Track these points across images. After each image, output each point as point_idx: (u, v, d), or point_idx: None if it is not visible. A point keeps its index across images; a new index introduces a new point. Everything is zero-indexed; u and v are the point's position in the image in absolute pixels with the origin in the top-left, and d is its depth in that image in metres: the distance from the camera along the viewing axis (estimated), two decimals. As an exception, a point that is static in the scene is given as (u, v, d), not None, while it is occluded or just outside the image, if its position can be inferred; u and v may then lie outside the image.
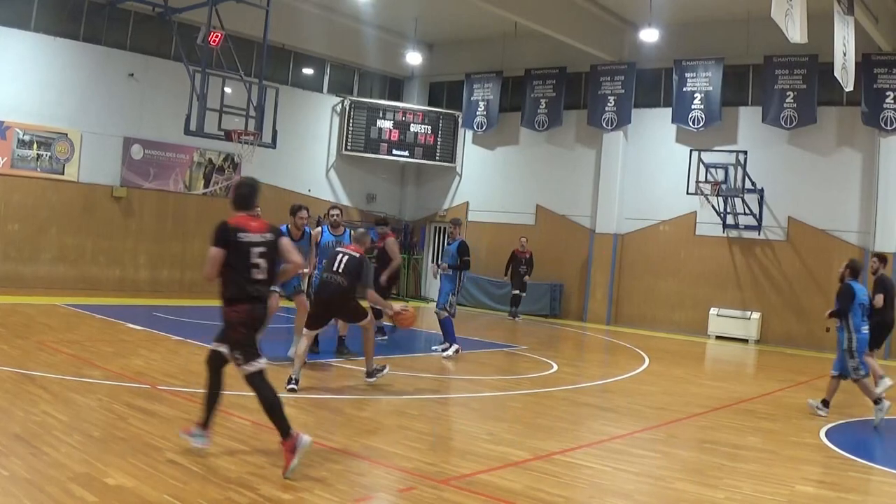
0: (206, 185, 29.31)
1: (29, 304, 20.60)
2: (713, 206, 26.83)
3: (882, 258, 17.23)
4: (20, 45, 25.04)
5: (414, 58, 33.30)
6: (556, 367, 17.89)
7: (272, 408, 8.97)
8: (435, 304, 20.03)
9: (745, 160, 25.57)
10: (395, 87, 36.58)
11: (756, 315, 26.44)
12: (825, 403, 14.46)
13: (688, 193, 26.25)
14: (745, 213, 26.69)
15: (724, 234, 27.40)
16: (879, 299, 16.16)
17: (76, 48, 26.16)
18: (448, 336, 18.88)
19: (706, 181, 25.74)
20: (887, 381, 16.06)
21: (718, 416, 13.91)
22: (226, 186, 29.11)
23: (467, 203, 34.39)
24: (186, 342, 17.27)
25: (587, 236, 30.51)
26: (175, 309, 20.95)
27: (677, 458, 10.67)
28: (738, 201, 26.55)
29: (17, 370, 12.60)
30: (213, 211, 28.23)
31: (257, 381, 9.21)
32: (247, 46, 27.50)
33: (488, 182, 33.96)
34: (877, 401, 13.90)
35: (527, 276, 29.26)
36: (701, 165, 25.78)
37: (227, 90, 23.32)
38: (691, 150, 26.31)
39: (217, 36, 22.39)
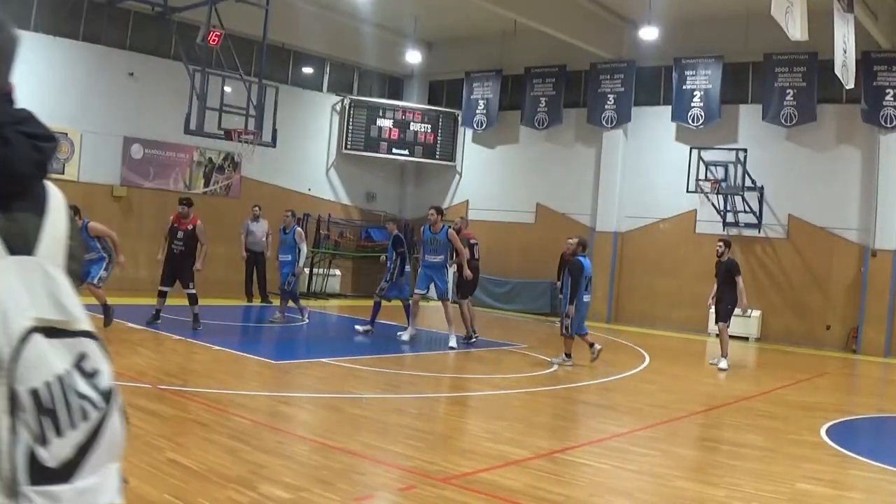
0: (207, 185, 29.34)
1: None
2: (713, 204, 26.85)
3: (727, 243, 20.05)
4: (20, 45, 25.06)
5: (413, 56, 33.30)
6: (556, 366, 17.89)
7: None
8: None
9: (745, 158, 25.60)
10: (394, 85, 36.62)
11: (756, 313, 26.38)
12: (568, 356, 18.22)
13: (688, 191, 26.31)
14: (745, 212, 26.69)
15: (724, 232, 27.28)
16: (740, 281, 19.56)
17: (75, 47, 26.19)
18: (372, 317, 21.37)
19: (706, 179, 25.78)
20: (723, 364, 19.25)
21: (718, 413, 13.95)
22: (226, 185, 29.13)
23: (467, 201, 34.39)
24: (187, 341, 17.28)
25: (587, 234, 30.46)
26: (175, 308, 20.92)
27: (677, 456, 10.69)
28: (738, 199, 26.57)
29: (17, 370, 12.60)
30: (213, 210, 28.25)
31: None
32: (246, 45, 27.49)
33: (488, 180, 33.96)
34: (568, 354, 18.14)
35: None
36: (701, 163, 25.81)
37: (227, 89, 23.34)
38: (691, 148, 26.35)
39: (216, 35, 22.39)
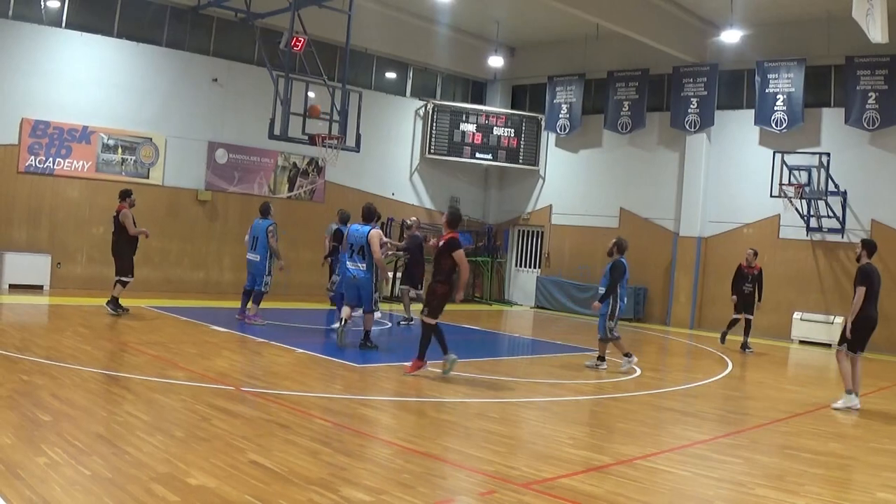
0: (291, 189, 29.55)
1: (115, 306, 20.83)
2: (797, 209, 26.57)
3: (864, 243, 15.83)
4: (104, 51, 25.44)
5: (496, 61, 33.21)
6: (638, 372, 17.82)
7: None
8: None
9: (828, 162, 25.33)
10: (477, 90, 36.66)
11: (839, 319, 26.01)
12: (601, 359, 18.21)
13: (771, 196, 26.04)
14: (828, 216, 26.41)
15: (808, 238, 27.09)
16: (859, 293, 15.29)
17: (159, 54, 26.57)
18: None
19: (789, 183, 25.52)
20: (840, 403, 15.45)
21: (800, 421, 13.82)
22: (310, 190, 29.25)
23: (551, 206, 34.33)
24: (269, 344, 17.43)
25: (671, 239, 30.32)
26: (258, 311, 21.09)
27: (759, 463, 10.61)
28: (821, 204, 26.28)
29: (101, 371, 12.82)
30: (297, 214, 28.48)
31: None
32: (330, 51, 27.68)
33: (572, 185, 33.90)
34: (627, 354, 17.97)
35: (758, 301, 23.86)
36: (784, 168, 25.56)
37: (311, 94, 23.45)
38: (774, 153, 26.11)
39: (300, 41, 22.49)
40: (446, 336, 15.44)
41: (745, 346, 23.59)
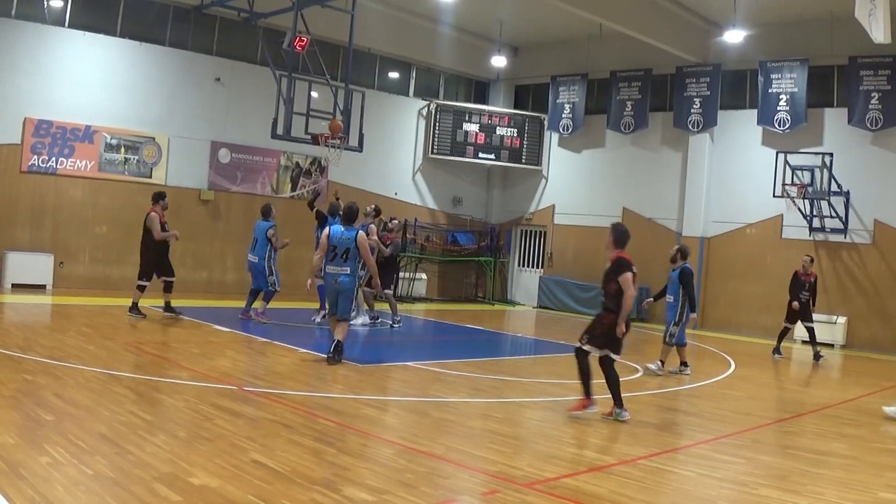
0: (294, 189, 29.55)
1: (116, 305, 20.88)
2: (799, 209, 26.52)
3: None
4: (106, 51, 25.45)
5: (499, 61, 33.16)
6: (641, 372, 17.78)
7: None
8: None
9: (831, 162, 25.32)
10: (480, 90, 36.63)
11: (842, 319, 26.12)
12: (684, 364, 18.17)
13: (774, 196, 26.00)
14: (830, 216, 26.41)
15: (811, 238, 27.06)
16: None
17: (162, 53, 26.59)
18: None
19: (792, 184, 25.49)
20: None
21: (803, 421, 13.82)
22: (312, 189, 29.23)
23: (553, 206, 34.30)
24: (273, 344, 17.42)
25: (673, 239, 30.17)
26: (266, 309, 21.09)
27: (761, 463, 10.60)
28: (823, 204, 26.27)
29: (104, 370, 12.78)
30: (300, 214, 28.38)
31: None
32: (332, 50, 27.68)
33: (574, 185, 33.89)
34: (662, 361, 17.92)
35: (813, 308, 23.34)
36: (787, 168, 25.53)
37: (314, 94, 23.41)
38: (777, 153, 26.09)
39: (303, 41, 22.52)
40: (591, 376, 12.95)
41: (817, 355, 22.75)
